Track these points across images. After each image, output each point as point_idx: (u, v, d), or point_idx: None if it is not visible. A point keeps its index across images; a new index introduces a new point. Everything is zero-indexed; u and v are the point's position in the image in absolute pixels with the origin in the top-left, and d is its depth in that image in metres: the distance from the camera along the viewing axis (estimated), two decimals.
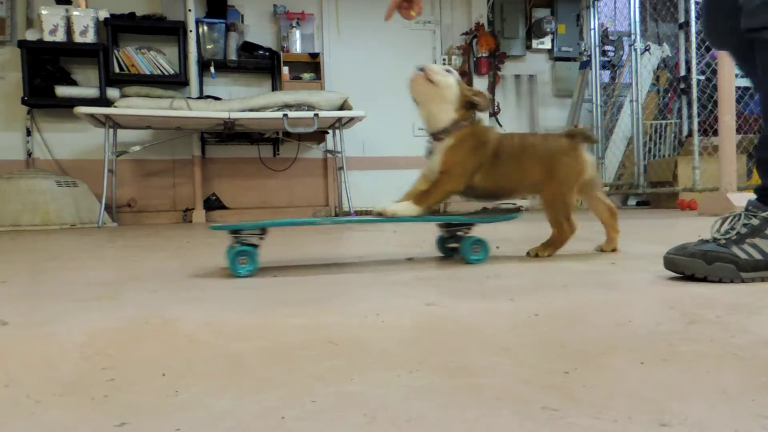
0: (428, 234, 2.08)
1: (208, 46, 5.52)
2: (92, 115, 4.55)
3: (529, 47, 6.57)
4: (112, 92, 5.05)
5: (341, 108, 4.98)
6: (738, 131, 3.89)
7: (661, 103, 6.14)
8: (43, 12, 4.98)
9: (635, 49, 5.79)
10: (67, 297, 1.21)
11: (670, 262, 1.23)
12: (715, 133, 4.24)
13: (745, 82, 4.52)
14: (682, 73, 5.66)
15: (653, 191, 5.62)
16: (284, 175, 5.90)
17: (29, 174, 4.64)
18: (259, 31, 5.81)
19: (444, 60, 6.30)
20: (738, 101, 3.84)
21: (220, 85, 5.68)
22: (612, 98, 6.32)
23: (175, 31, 5.38)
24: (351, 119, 5.04)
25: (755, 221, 1.21)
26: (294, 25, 5.70)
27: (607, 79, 6.46)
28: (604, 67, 6.36)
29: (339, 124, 5.10)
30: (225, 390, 0.60)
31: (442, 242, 1.80)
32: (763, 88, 1.25)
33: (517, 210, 5.57)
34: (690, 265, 1.19)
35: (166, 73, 5.30)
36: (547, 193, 1.66)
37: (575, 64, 6.60)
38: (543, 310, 0.95)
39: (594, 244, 1.86)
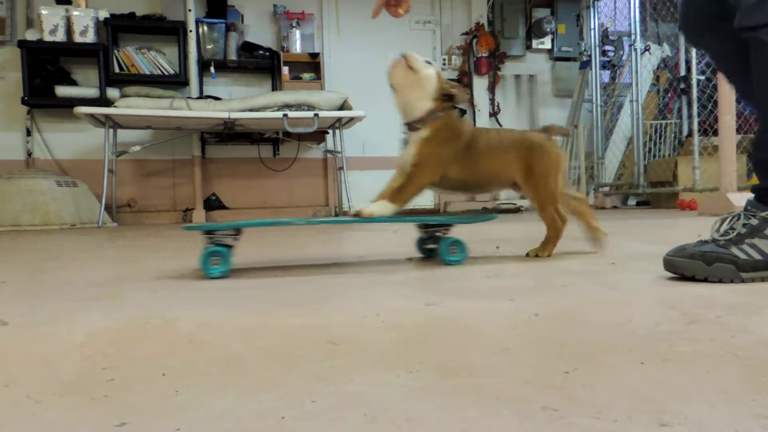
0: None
1: (208, 46, 5.52)
2: (92, 115, 4.55)
3: (529, 47, 6.57)
4: (112, 92, 5.05)
5: (341, 108, 4.99)
6: (738, 131, 3.89)
7: (661, 103, 6.14)
8: (43, 12, 4.98)
9: (635, 49, 5.79)
10: (67, 297, 1.21)
11: (669, 264, 1.23)
12: (715, 133, 4.24)
13: None
14: (682, 73, 5.66)
15: (653, 191, 5.62)
16: (284, 175, 5.90)
17: (29, 174, 4.64)
18: (259, 31, 5.81)
19: (444, 60, 6.30)
20: (738, 101, 3.83)
21: (220, 85, 5.68)
22: (612, 98, 6.32)
23: (175, 31, 5.39)
24: (351, 119, 5.04)
25: (754, 221, 1.21)
26: (294, 25, 5.70)
27: (607, 79, 6.46)
28: (604, 67, 6.36)
29: (339, 124, 5.10)
30: (225, 390, 0.60)
31: (421, 243, 1.79)
32: (759, 87, 1.25)
33: (517, 210, 5.57)
34: (690, 267, 1.19)
35: (166, 73, 5.30)
36: (532, 187, 1.67)
37: (575, 64, 6.60)
38: (543, 310, 0.95)
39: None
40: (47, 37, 4.99)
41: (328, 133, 5.60)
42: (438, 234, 1.67)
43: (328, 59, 5.95)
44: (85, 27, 5.06)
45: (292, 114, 4.75)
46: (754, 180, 1.29)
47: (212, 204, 5.62)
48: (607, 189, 6.16)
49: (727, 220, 1.25)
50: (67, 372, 0.68)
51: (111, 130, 4.73)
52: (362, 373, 0.65)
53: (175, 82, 5.34)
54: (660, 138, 5.99)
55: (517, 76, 6.62)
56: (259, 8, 5.84)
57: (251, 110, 4.77)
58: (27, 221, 4.35)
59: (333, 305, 1.06)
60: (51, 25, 4.98)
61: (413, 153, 1.58)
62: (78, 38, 5.05)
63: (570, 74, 6.62)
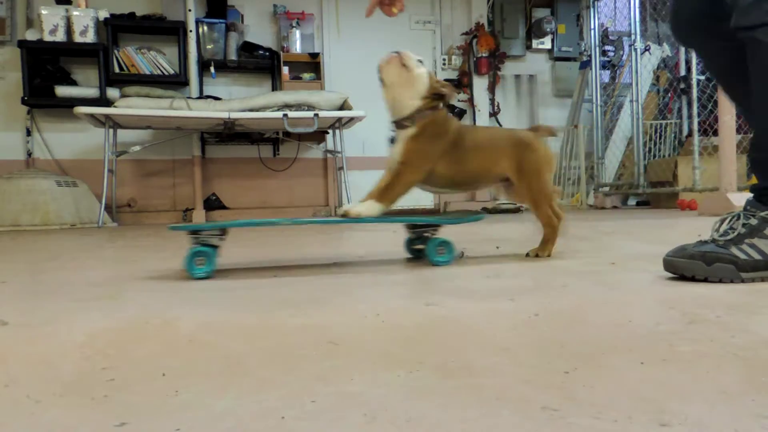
0: (452, 232, 2.10)
1: (208, 46, 5.52)
2: (92, 115, 4.55)
3: (529, 47, 6.58)
4: (112, 92, 5.05)
5: (341, 108, 4.99)
6: (738, 131, 3.89)
7: (661, 103, 6.14)
8: (43, 12, 4.98)
9: (635, 49, 5.79)
10: (67, 297, 1.21)
11: (669, 265, 1.23)
12: (715, 133, 4.24)
13: None
14: (682, 73, 5.66)
15: (653, 191, 5.62)
16: (284, 175, 5.90)
17: (29, 174, 4.64)
18: (259, 31, 5.81)
19: (444, 60, 6.30)
20: None
21: (220, 85, 5.68)
22: (612, 98, 6.32)
23: (175, 31, 5.39)
24: (351, 119, 5.04)
25: (754, 221, 1.21)
26: (294, 25, 5.70)
27: (607, 79, 6.46)
28: (604, 67, 6.36)
29: (339, 124, 5.10)
30: (225, 390, 0.60)
31: (409, 244, 1.78)
32: (757, 87, 1.24)
33: (517, 210, 5.57)
34: (690, 267, 1.19)
35: (166, 73, 5.30)
36: (525, 185, 1.66)
37: (575, 64, 6.61)
38: (543, 310, 0.95)
39: (594, 244, 1.86)
40: (47, 37, 4.99)
41: (328, 133, 5.60)
42: (426, 234, 1.66)
43: (328, 59, 5.95)
44: (85, 27, 5.06)
45: (292, 114, 4.75)
46: (754, 180, 1.29)
47: (212, 204, 5.62)
48: (607, 189, 6.16)
49: (727, 220, 1.25)
50: (67, 372, 0.68)
51: (111, 130, 4.73)
52: (362, 373, 0.65)
53: (175, 82, 5.34)
54: (660, 138, 5.99)
55: (517, 76, 6.62)
56: (259, 8, 5.84)
57: (251, 110, 4.77)
58: (27, 221, 4.35)
59: (333, 305, 1.06)
60: (51, 25, 4.98)
61: (400, 151, 1.57)
62: (78, 38, 5.05)
63: (570, 74, 6.62)
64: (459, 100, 6.38)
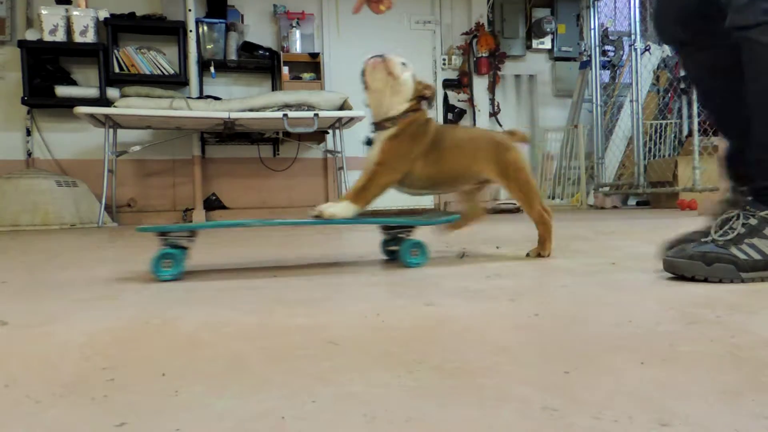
0: (427, 233, 2.09)
1: (208, 46, 5.52)
2: (92, 115, 4.55)
3: (529, 47, 6.57)
4: (112, 92, 5.05)
5: (341, 108, 4.99)
6: (752, 124, 3.88)
7: (661, 103, 6.14)
8: (43, 12, 4.98)
9: (635, 49, 5.79)
10: (67, 297, 1.21)
11: (669, 265, 1.23)
12: (716, 133, 4.24)
13: None
14: (682, 73, 5.65)
15: (653, 191, 5.62)
16: (284, 175, 5.90)
17: (29, 174, 4.64)
18: (259, 31, 5.81)
19: (444, 60, 6.30)
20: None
21: (220, 85, 5.68)
22: (612, 98, 6.32)
23: (175, 31, 5.38)
24: (351, 119, 5.04)
25: (753, 221, 1.21)
26: (294, 25, 5.70)
27: (607, 79, 6.46)
28: (604, 67, 6.36)
29: (339, 124, 5.10)
30: (225, 390, 0.60)
31: (384, 245, 1.76)
32: (752, 87, 1.24)
33: (517, 210, 5.56)
34: (690, 268, 1.19)
35: (166, 73, 5.30)
36: (514, 186, 1.67)
37: (575, 64, 6.61)
38: (543, 310, 0.95)
39: (594, 244, 1.86)
40: (47, 37, 4.99)
41: (328, 133, 5.60)
42: (401, 236, 1.64)
43: (328, 59, 5.95)
44: (85, 27, 5.05)
45: (292, 114, 4.75)
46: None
47: (212, 204, 5.62)
48: (607, 189, 6.16)
49: (727, 220, 1.25)
50: (67, 372, 0.68)
51: (111, 130, 4.73)
52: (362, 373, 0.65)
53: (175, 82, 5.34)
54: (660, 138, 5.99)
55: (517, 76, 6.62)
56: (259, 8, 5.84)
57: (251, 110, 4.77)
58: (27, 221, 4.35)
59: (333, 305, 1.06)
60: (51, 25, 4.98)
61: (378, 150, 1.57)
62: (78, 38, 5.05)
63: (570, 74, 6.62)
64: (459, 100, 6.38)
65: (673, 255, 1.23)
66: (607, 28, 6.36)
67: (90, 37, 5.07)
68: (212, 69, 5.53)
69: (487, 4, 6.38)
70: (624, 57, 6.32)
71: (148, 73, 5.24)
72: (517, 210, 5.65)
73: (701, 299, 1.02)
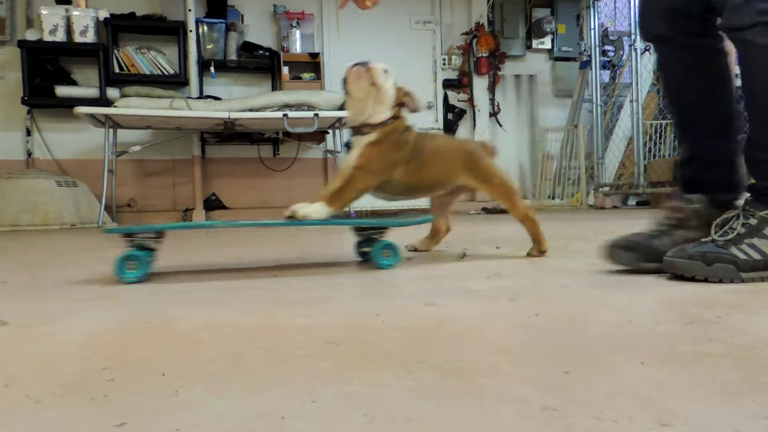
0: (399, 235, 2.10)
1: (208, 46, 5.52)
2: (92, 115, 4.55)
3: (529, 47, 6.57)
4: (112, 92, 5.05)
5: (341, 108, 4.98)
6: (749, 125, 3.88)
7: (661, 103, 6.13)
8: (43, 12, 4.98)
9: (635, 49, 5.78)
10: (67, 297, 1.21)
11: (669, 265, 1.23)
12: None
13: None
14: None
15: (653, 191, 5.62)
16: (284, 175, 5.90)
17: (29, 174, 4.64)
18: (259, 31, 5.81)
19: (444, 60, 6.30)
20: (738, 101, 3.83)
21: (220, 85, 5.68)
22: (612, 98, 6.32)
23: (175, 31, 5.38)
24: None
25: (753, 221, 1.21)
26: (294, 25, 5.70)
27: (607, 79, 6.46)
28: (604, 67, 6.36)
29: (339, 124, 5.10)
30: (225, 390, 0.60)
31: (358, 246, 1.75)
32: (748, 88, 1.24)
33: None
34: (690, 268, 1.19)
35: (166, 73, 5.30)
36: (497, 190, 1.72)
37: (575, 64, 6.61)
38: (543, 310, 0.95)
39: (594, 244, 1.86)
40: (47, 37, 4.99)
41: (328, 133, 5.60)
42: (374, 237, 1.63)
43: (328, 59, 5.95)
44: (85, 27, 5.05)
45: (292, 114, 4.75)
46: (753, 180, 1.30)
47: (212, 204, 5.62)
48: (607, 189, 6.16)
49: (726, 220, 1.25)
50: (67, 372, 0.68)
51: (111, 130, 4.73)
52: (362, 373, 0.65)
53: (175, 82, 5.34)
54: (660, 138, 5.99)
55: (517, 76, 6.62)
56: (259, 8, 5.84)
57: (251, 110, 4.77)
58: (27, 221, 4.35)
59: (333, 305, 1.06)
60: (51, 25, 4.98)
61: (357, 155, 1.57)
62: (78, 38, 5.05)
63: (570, 74, 6.62)
64: (459, 100, 6.38)
65: (673, 254, 1.23)
66: (607, 28, 6.36)
67: (90, 37, 5.07)
68: (212, 69, 5.53)
69: (487, 4, 6.38)
70: (624, 57, 6.32)
71: (148, 73, 5.24)
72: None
73: (701, 299, 1.02)
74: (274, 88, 5.68)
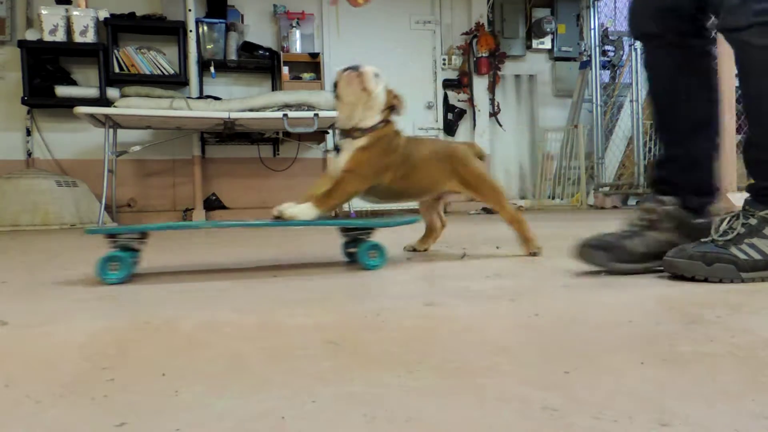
0: (386, 235, 2.10)
1: (208, 46, 5.52)
2: (92, 115, 4.54)
3: (529, 47, 6.57)
4: (112, 92, 5.05)
5: None
6: (738, 131, 3.88)
7: None
8: (43, 12, 4.98)
9: (635, 49, 5.78)
10: (67, 297, 1.21)
11: (669, 265, 1.23)
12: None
13: None
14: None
15: None
16: (284, 175, 5.90)
17: (29, 174, 4.64)
18: (259, 31, 5.81)
19: (444, 60, 6.30)
20: (738, 101, 3.83)
21: (220, 85, 5.68)
22: (612, 98, 6.32)
23: (175, 31, 5.38)
24: None
25: (753, 221, 1.21)
26: (294, 25, 5.70)
27: (607, 79, 6.46)
28: (604, 67, 6.36)
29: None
30: (225, 390, 0.60)
31: (345, 247, 1.74)
32: (745, 89, 1.24)
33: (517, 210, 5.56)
34: (690, 268, 1.19)
35: (166, 73, 5.30)
36: (483, 192, 1.75)
37: (575, 64, 6.60)
38: (543, 310, 0.95)
39: None
40: (47, 37, 4.99)
41: (328, 133, 5.59)
42: (361, 238, 1.63)
43: (328, 59, 5.95)
44: (85, 27, 5.05)
45: (292, 114, 4.75)
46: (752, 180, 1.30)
47: (212, 204, 5.62)
48: (607, 189, 6.16)
49: (726, 220, 1.25)
50: (67, 372, 0.68)
51: (111, 130, 4.73)
52: (362, 373, 0.65)
53: (175, 82, 5.34)
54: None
55: (517, 76, 6.61)
56: (259, 8, 5.84)
57: (251, 110, 4.76)
58: (27, 221, 4.35)
59: (333, 305, 1.06)
60: (51, 25, 4.98)
61: (347, 159, 1.58)
62: (78, 38, 5.05)
63: (570, 74, 6.62)
64: (459, 100, 6.38)
65: (673, 254, 1.23)
66: (607, 28, 6.36)
67: (90, 37, 5.07)
68: (212, 69, 5.52)
69: (487, 4, 6.38)
70: (624, 57, 6.32)
71: (148, 73, 5.24)
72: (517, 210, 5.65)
73: (701, 299, 1.02)
74: (274, 88, 5.68)
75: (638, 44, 5.72)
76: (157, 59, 5.28)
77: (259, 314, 0.99)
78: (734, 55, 1.23)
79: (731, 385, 0.58)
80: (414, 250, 1.93)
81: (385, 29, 6.07)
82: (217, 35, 5.51)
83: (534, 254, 1.72)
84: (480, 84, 6.33)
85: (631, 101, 5.86)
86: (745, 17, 1.16)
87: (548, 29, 6.38)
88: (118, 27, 5.25)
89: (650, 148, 5.92)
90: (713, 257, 1.17)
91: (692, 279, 1.19)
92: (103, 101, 4.96)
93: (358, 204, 5.35)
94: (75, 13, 5.05)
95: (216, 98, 5.07)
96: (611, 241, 1.32)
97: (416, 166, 1.66)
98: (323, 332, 0.84)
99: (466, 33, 6.32)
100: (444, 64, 6.30)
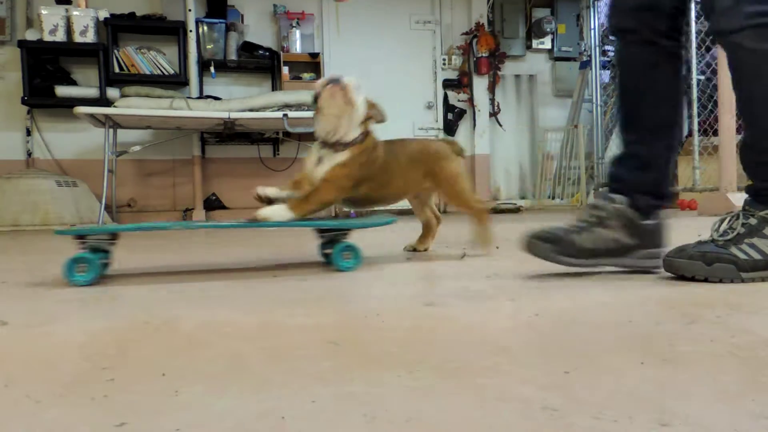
0: (362, 236, 2.11)
1: (208, 46, 5.52)
2: (92, 115, 4.54)
3: (529, 47, 6.57)
4: (112, 92, 5.05)
5: None
6: (738, 131, 3.89)
7: None
8: (43, 12, 4.98)
9: None
10: (67, 297, 1.21)
11: (669, 265, 1.23)
12: (715, 133, 4.24)
13: None
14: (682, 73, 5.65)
15: None
16: (284, 175, 5.89)
17: (29, 174, 4.64)
18: (259, 31, 5.81)
19: (444, 60, 6.30)
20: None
21: (220, 85, 5.68)
22: (612, 98, 6.32)
23: (175, 31, 5.38)
24: None
25: (753, 221, 1.21)
26: (294, 25, 5.69)
27: (607, 79, 6.46)
28: (604, 67, 6.36)
29: None
30: (225, 390, 0.60)
31: (321, 248, 1.73)
32: (739, 93, 1.24)
33: (517, 210, 5.56)
34: (690, 268, 1.19)
35: (166, 73, 5.30)
36: (446, 193, 1.80)
37: (575, 64, 6.60)
38: (543, 310, 0.95)
39: None
40: (47, 37, 4.99)
41: None
42: (337, 239, 1.62)
43: (328, 59, 5.95)
44: (85, 27, 5.05)
45: (292, 114, 4.75)
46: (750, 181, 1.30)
47: (212, 204, 5.62)
48: (607, 189, 6.16)
49: (726, 220, 1.26)
50: (67, 372, 0.68)
51: (111, 130, 4.73)
52: (362, 373, 0.65)
53: (175, 82, 5.34)
54: None
55: (517, 76, 6.61)
56: (259, 8, 5.84)
57: (251, 110, 4.76)
58: (27, 221, 4.35)
59: (333, 305, 1.06)
60: (51, 25, 4.98)
61: (327, 169, 1.59)
62: (78, 38, 5.05)
63: (570, 74, 6.61)
64: (459, 100, 6.38)
65: (673, 254, 1.23)
66: (607, 28, 6.36)
67: (90, 37, 5.07)
68: (212, 69, 5.52)
69: (487, 4, 6.38)
70: None
71: (148, 73, 5.24)
72: (517, 210, 5.65)
73: (701, 299, 1.02)
74: (274, 88, 5.68)
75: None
76: (157, 59, 5.28)
77: (259, 314, 0.99)
78: (727, 59, 1.23)
79: (731, 385, 0.58)
80: (414, 250, 1.94)
81: (385, 29, 6.07)
82: (217, 35, 5.51)
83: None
84: (480, 84, 6.33)
85: None
86: (738, 20, 1.15)
87: (548, 29, 6.38)
88: (118, 27, 5.25)
89: None
90: (713, 257, 1.17)
91: (692, 279, 1.19)
92: (103, 101, 4.96)
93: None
94: (75, 13, 5.05)
95: (216, 98, 5.07)
96: (559, 235, 1.32)
97: (394, 172, 1.70)
98: (323, 332, 0.84)
99: (466, 33, 6.32)
100: (444, 64, 6.30)
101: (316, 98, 1.64)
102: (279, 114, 4.73)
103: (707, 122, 5.30)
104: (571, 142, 6.20)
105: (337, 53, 6.03)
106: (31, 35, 5.07)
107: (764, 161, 1.22)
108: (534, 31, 6.50)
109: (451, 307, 1.01)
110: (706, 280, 1.17)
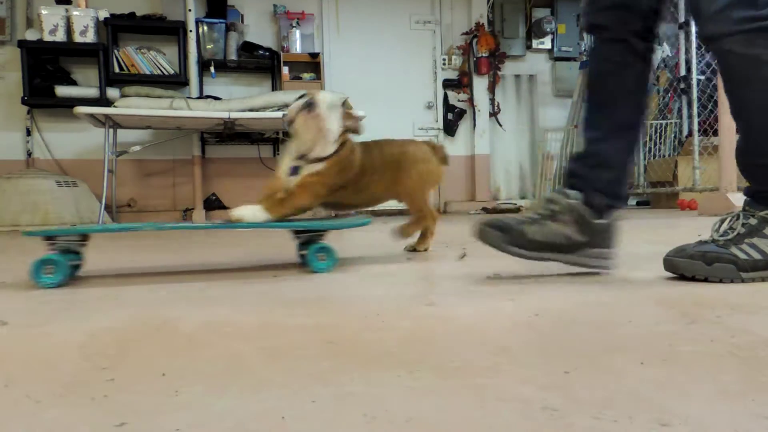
0: (336, 237, 2.11)
1: (208, 46, 5.52)
2: (92, 115, 4.55)
3: (529, 47, 6.57)
4: (112, 92, 5.05)
5: None
6: (738, 131, 3.89)
7: (661, 103, 6.13)
8: (43, 12, 4.98)
9: None
10: (66, 297, 1.21)
11: (670, 264, 1.23)
12: (715, 133, 4.24)
13: None
14: (682, 73, 5.65)
15: (653, 191, 5.62)
16: None
17: (29, 174, 4.64)
18: (259, 31, 5.81)
19: (444, 60, 6.30)
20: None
21: (220, 85, 5.68)
22: None
23: (175, 31, 5.38)
24: None
25: (753, 221, 1.21)
26: (294, 25, 5.70)
27: None
28: None
29: None
30: (225, 390, 0.60)
31: (299, 248, 1.70)
32: (731, 98, 1.24)
33: (517, 210, 5.56)
34: (690, 267, 1.19)
35: (166, 73, 5.30)
36: (404, 196, 1.83)
37: (575, 64, 6.60)
38: (543, 310, 0.95)
39: None
40: (47, 37, 4.99)
41: None
42: (313, 240, 1.61)
43: (328, 59, 5.95)
44: (85, 27, 5.05)
45: None
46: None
47: (212, 204, 5.62)
48: None
49: (727, 220, 1.26)
50: (67, 372, 0.68)
51: (111, 130, 4.73)
52: (362, 373, 0.65)
53: (175, 82, 5.34)
54: (660, 138, 5.99)
55: (517, 76, 6.62)
56: (259, 8, 5.84)
57: (251, 110, 4.76)
58: (27, 221, 4.35)
59: (333, 305, 1.06)
60: (51, 25, 4.98)
61: (304, 175, 1.60)
62: (78, 38, 5.05)
63: (570, 74, 6.62)
64: (459, 100, 6.38)
65: (673, 254, 1.23)
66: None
67: (90, 37, 5.07)
68: (212, 69, 5.53)
69: (487, 4, 6.38)
70: None
71: (148, 73, 5.24)
72: (517, 210, 5.65)
73: (701, 299, 1.02)
74: (274, 88, 5.68)
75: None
76: (157, 59, 5.28)
77: (259, 314, 0.99)
78: (717, 64, 1.22)
79: (731, 385, 0.58)
80: (414, 250, 1.94)
81: (385, 29, 6.07)
82: (217, 35, 5.52)
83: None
84: (480, 84, 6.33)
85: None
86: (727, 25, 1.13)
87: (548, 29, 6.38)
88: (118, 27, 5.25)
89: (650, 148, 5.93)
90: (713, 257, 1.17)
91: (692, 279, 1.19)
92: (103, 101, 4.96)
93: None
94: (75, 13, 5.05)
95: (216, 98, 5.07)
96: (511, 224, 1.32)
97: (371, 177, 1.72)
98: (323, 332, 0.84)
99: (466, 33, 6.33)
100: (444, 64, 6.31)
101: (290, 123, 1.64)
102: (279, 114, 4.73)
103: (707, 122, 5.31)
104: (571, 142, 6.20)
105: (337, 53, 6.03)
106: (31, 35, 5.07)
107: (760, 164, 1.22)
108: (534, 31, 6.50)
109: (451, 307, 1.01)
110: (706, 280, 1.17)
